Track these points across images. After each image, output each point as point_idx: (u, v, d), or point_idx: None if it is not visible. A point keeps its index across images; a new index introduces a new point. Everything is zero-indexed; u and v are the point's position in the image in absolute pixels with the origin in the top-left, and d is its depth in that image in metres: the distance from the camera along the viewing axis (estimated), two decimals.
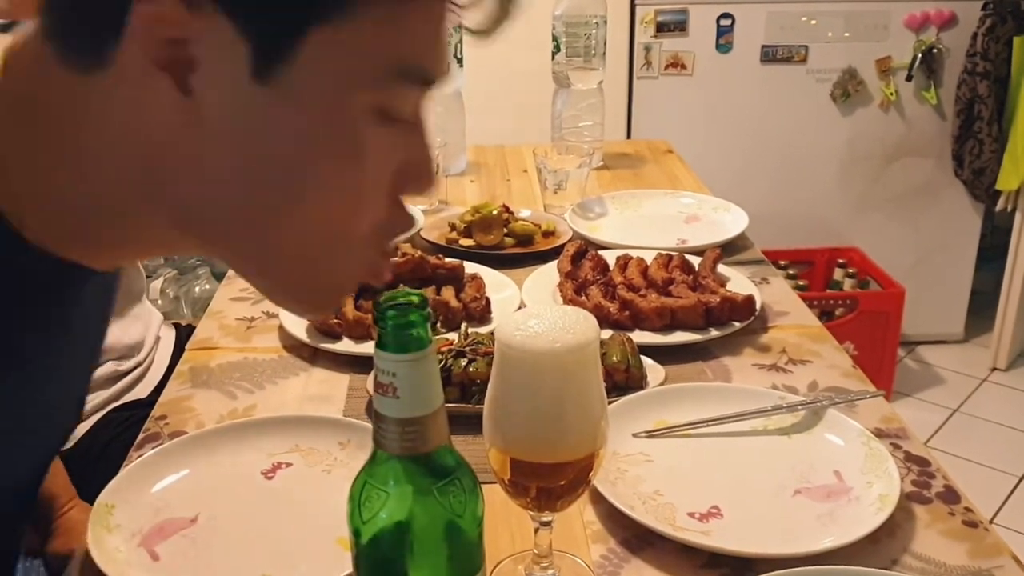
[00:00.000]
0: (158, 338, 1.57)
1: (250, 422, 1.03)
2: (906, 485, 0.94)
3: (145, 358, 1.49)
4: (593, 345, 0.73)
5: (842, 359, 1.19)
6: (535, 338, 0.72)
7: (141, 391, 1.46)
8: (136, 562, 0.83)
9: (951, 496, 0.93)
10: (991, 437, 2.84)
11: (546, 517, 0.78)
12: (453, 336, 1.13)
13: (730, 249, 1.54)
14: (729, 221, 1.65)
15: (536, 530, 0.79)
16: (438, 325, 1.24)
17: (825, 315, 2.90)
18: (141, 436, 1.04)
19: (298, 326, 1.23)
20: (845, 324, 2.85)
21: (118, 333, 1.43)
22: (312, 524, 0.88)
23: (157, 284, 2.77)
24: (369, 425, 0.99)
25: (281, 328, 1.25)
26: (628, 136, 2.98)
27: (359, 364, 1.16)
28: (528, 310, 0.77)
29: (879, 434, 1.02)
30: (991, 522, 2.42)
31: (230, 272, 1.49)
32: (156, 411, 1.09)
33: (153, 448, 0.99)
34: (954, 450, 2.75)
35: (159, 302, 2.73)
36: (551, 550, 0.81)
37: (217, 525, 0.88)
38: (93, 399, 1.37)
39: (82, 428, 1.35)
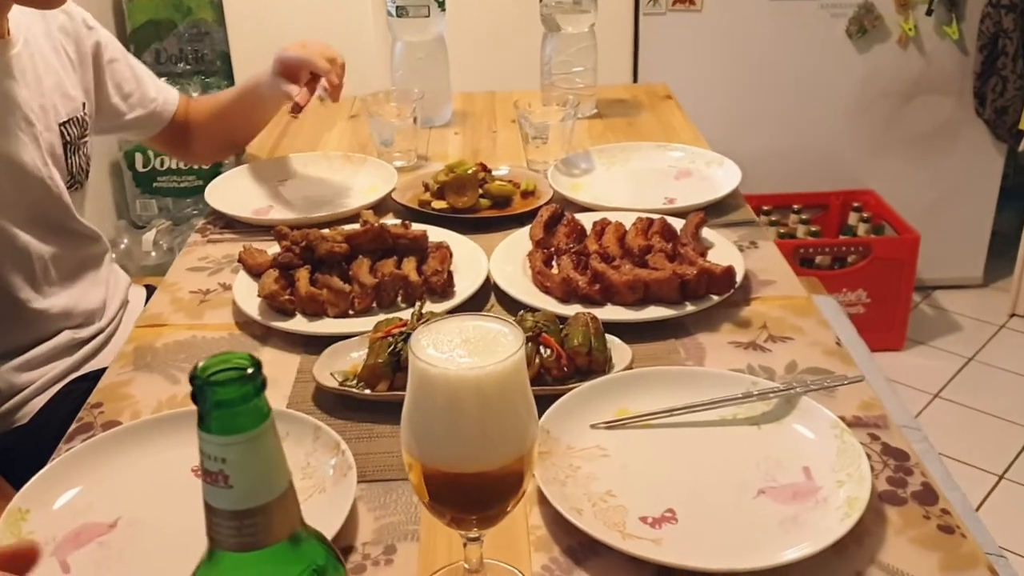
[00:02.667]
0: (126, 301, 1.51)
1: (185, 412, 0.97)
2: (880, 483, 0.87)
3: (108, 324, 1.43)
4: (516, 363, 0.65)
5: (826, 335, 1.11)
6: (452, 360, 0.66)
7: (104, 359, 1.38)
8: None
9: (928, 496, 0.86)
10: (1007, 387, 2.74)
11: (473, 534, 0.72)
12: (407, 315, 1.06)
13: (720, 208, 1.45)
14: (721, 177, 1.55)
15: (465, 544, 0.74)
16: (399, 300, 1.18)
17: (837, 261, 2.81)
18: (73, 427, 0.99)
19: (250, 303, 1.17)
20: (858, 271, 2.76)
21: (74, 299, 1.37)
22: None
23: (150, 236, 2.72)
24: (311, 419, 0.93)
25: (234, 304, 1.19)
26: (635, 76, 2.87)
27: (311, 344, 1.10)
28: (447, 322, 0.70)
29: (857, 422, 0.95)
30: (1002, 477, 2.36)
31: (191, 239, 1.42)
32: (92, 398, 1.04)
33: (83, 440, 0.94)
34: (967, 401, 2.67)
35: (152, 254, 2.69)
36: (482, 563, 0.75)
37: (136, 531, 0.83)
38: (51, 369, 1.32)
39: (40, 401, 1.30)
